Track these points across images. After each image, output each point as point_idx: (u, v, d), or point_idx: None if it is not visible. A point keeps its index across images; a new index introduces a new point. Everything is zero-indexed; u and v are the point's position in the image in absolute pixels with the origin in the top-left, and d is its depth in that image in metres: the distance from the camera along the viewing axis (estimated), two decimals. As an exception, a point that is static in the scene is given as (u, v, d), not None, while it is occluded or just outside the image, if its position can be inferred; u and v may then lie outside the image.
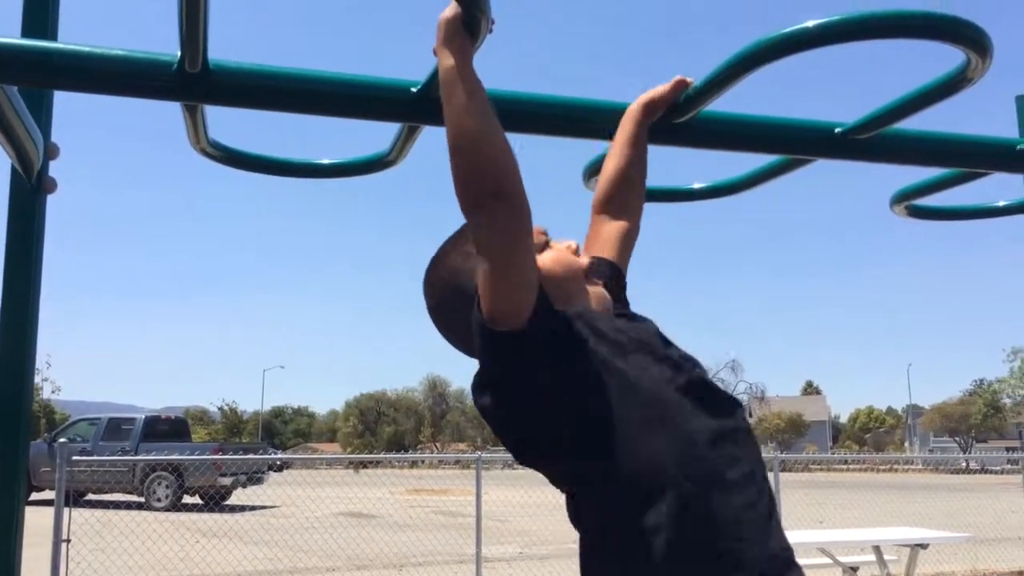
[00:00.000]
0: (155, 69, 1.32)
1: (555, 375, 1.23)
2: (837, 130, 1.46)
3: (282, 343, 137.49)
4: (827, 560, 6.74)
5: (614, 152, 1.59)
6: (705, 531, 1.20)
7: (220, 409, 75.18)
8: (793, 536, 5.77)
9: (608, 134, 1.58)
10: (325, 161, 1.63)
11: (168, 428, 20.19)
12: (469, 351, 1.37)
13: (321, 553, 10.51)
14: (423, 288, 1.44)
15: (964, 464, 42.58)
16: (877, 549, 6.52)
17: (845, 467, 46.36)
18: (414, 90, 1.40)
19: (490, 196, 1.18)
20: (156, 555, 8.63)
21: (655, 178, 1.60)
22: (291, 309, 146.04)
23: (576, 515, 1.32)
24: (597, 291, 1.41)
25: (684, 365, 1.34)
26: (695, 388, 1.31)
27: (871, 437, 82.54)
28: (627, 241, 1.58)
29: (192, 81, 1.32)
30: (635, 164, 1.58)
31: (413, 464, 46.18)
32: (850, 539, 6.73)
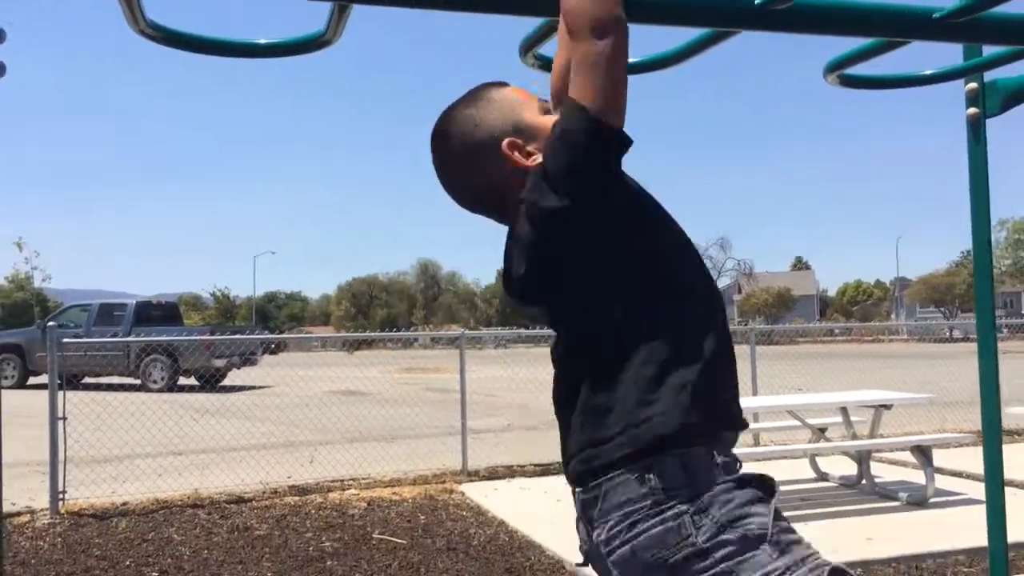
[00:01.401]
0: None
1: (633, 189, 1.43)
2: (757, 1, 1.50)
3: (272, 229, 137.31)
4: (797, 423, 7.04)
5: (561, 43, 1.59)
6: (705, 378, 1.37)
7: (212, 295, 75.73)
8: (764, 401, 6.02)
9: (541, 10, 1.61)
10: (261, 41, 1.65)
11: (160, 313, 20.45)
12: (487, 201, 1.50)
13: (315, 428, 10.88)
14: (438, 149, 1.51)
15: (947, 333, 43.42)
16: (844, 411, 6.80)
17: (831, 338, 47.36)
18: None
19: (615, 20, 1.31)
20: (154, 432, 8.94)
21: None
22: (281, 194, 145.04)
23: (593, 344, 1.40)
24: None
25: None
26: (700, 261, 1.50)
27: (858, 310, 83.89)
28: None
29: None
30: None
31: (407, 345, 47.03)
32: (818, 402, 7.02)
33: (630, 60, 1.70)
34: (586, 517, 1.38)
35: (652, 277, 1.39)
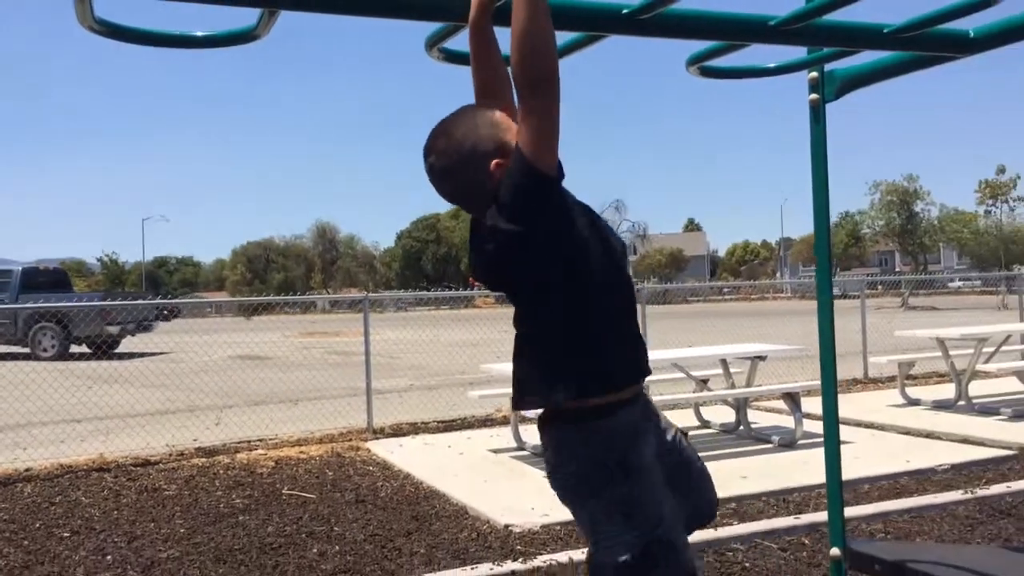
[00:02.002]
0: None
1: (564, 214, 1.77)
2: (624, 11, 1.79)
3: (161, 191, 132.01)
4: (682, 375, 7.55)
5: (476, 66, 1.89)
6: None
7: (100, 260, 72.90)
8: (654, 355, 6.48)
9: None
10: (198, 33, 1.85)
11: (47, 279, 19.75)
12: (469, 200, 1.85)
13: (218, 392, 10.90)
14: (435, 153, 1.84)
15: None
16: (724, 363, 7.33)
17: (721, 297, 49.19)
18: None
19: (553, 75, 1.65)
20: (49, 401, 8.84)
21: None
22: (170, 155, 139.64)
23: (534, 322, 1.87)
24: None
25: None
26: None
27: (746, 269, 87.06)
28: None
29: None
30: (498, 68, 1.90)
31: (306, 309, 46.47)
32: (699, 355, 7.55)
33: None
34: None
35: (583, 276, 1.80)
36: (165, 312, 23.44)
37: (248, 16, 1.78)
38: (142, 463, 6.86)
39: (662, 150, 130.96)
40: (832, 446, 2.57)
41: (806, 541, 4.49)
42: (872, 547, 2.54)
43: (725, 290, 50.37)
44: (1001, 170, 48.22)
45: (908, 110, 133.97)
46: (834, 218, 65.94)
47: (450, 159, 1.81)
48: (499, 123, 1.82)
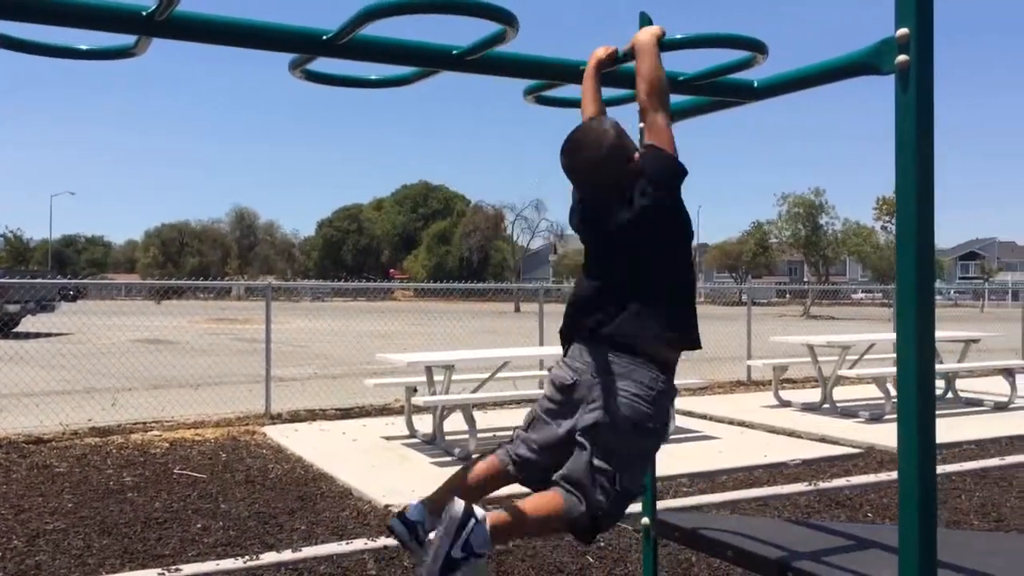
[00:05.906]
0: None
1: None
2: (454, 51, 2.13)
3: (70, 167, 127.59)
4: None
5: (591, 101, 2.45)
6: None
7: (3, 236, 70.21)
8: (540, 351, 6.83)
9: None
10: (83, 47, 2.11)
11: (-55, 255, 19.17)
12: (598, 189, 2.34)
13: (117, 375, 10.89)
14: (583, 150, 2.31)
15: (738, 296, 47.05)
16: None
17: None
18: (144, 13, 1.90)
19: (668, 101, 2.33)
20: (-58, 378, 8.75)
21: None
22: (82, 129, 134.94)
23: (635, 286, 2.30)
24: None
25: None
26: None
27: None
28: None
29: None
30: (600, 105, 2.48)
31: (219, 295, 45.71)
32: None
33: (371, 78, 2.31)
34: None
35: (683, 254, 2.35)
36: (70, 292, 22.92)
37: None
38: (34, 440, 6.93)
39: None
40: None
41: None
42: (674, 517, 2.93)
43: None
44: (900, 188, 50.37)
45: (817, 128, 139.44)
46: (746, 226, 67.90)
47: (597, 154, 2.28)
48: (622, 132, 2.37)
